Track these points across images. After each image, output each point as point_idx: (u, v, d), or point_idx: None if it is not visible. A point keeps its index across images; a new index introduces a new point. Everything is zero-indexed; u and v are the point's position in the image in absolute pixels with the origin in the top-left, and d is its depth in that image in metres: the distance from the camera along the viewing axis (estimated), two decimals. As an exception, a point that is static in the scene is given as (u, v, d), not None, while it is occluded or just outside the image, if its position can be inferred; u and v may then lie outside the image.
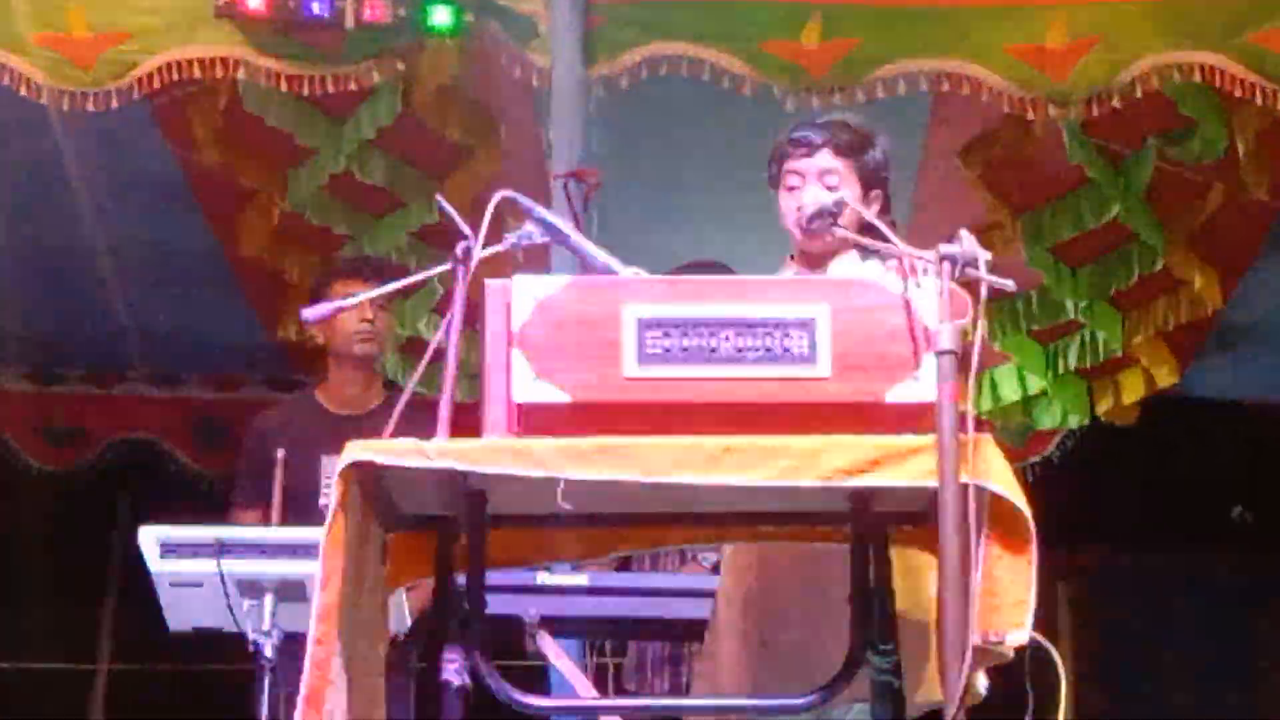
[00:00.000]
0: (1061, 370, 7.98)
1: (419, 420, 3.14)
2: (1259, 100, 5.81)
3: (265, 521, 4.75)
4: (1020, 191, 7.04)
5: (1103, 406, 8.13)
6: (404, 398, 3.32)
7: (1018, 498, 2.90)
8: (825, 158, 3.67)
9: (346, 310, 4.60)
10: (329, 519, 2.92)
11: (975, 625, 2.82)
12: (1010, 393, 8.13)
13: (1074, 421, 8.16)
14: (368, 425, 4.50)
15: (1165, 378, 7.84)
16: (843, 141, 3.69)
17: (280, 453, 4.65)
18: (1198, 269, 7.25)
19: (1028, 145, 6.60)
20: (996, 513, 2.91)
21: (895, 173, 3.79)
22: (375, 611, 3.19)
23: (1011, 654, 2.93)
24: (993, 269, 2.96)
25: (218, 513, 5.09)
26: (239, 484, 5.03)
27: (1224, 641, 10.79)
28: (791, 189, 3.69)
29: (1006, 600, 2.91)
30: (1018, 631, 2.90)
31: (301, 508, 4.66)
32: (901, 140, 3.95)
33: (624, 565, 5.13)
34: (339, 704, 2.95)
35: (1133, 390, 7.99)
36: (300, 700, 2.90)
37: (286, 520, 4.66)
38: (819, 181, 3.65)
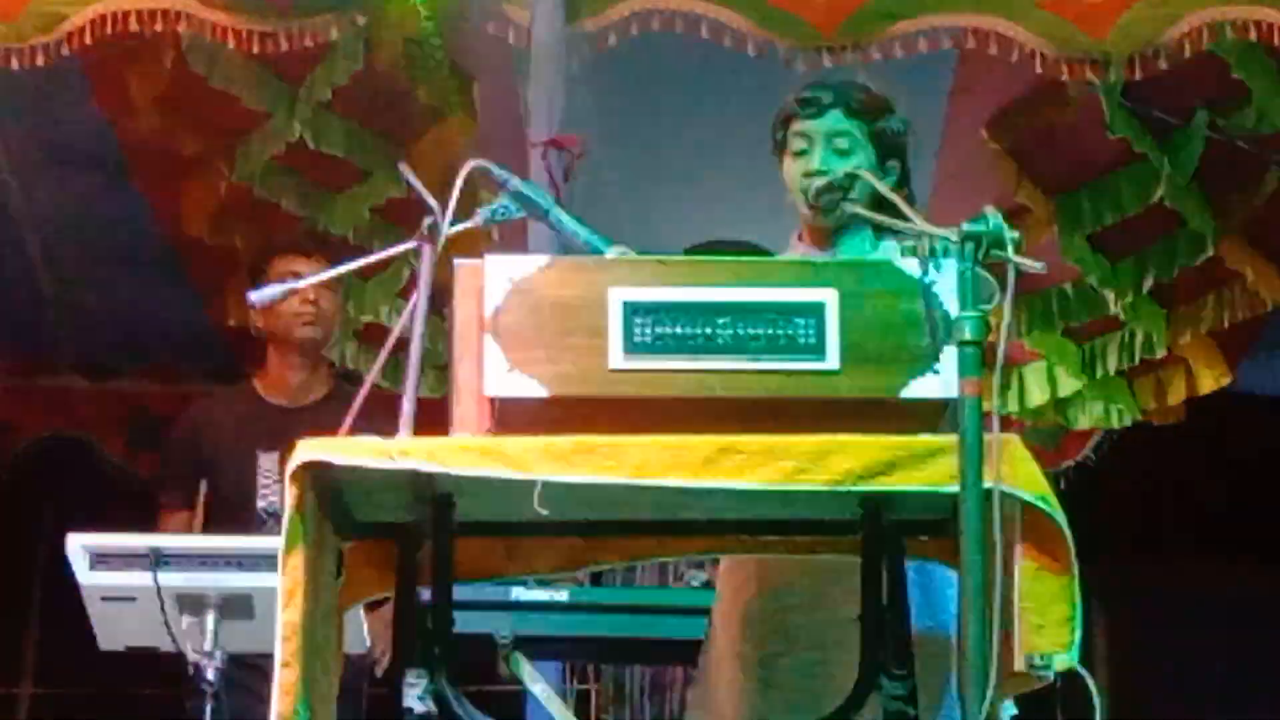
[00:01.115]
0: (1100, 373, 7.98)
1: (379, 416, 3.15)
2: (1321, 63, 5.83)
3: (194, 525, 4.75)
4: (1054, 170, 7.05)
5: (1146, 406, 8.14)
6: (363, 390, 3.32)
7: (1051, 504, 2.91)
8: (837, 119, 3.67)
9: (280, 295, 4.61)
10: (286, 527, 2.91)
11: (1018, 647, 2.83)
12: (1040, 395, 8.13)
13: (1116, 420, 8.15)
14: (311, 418, 4.53)
15: (1215, 380, 7.85)
16: (857, 102, 3.69)
17: (228, 450, 4.65)
18: (1252, 260, 7.25)
19: (1063, 116, 6.63)
20: (1029, 522, 2.92)
21: (913, 146, 3.79)
22: (330, 630, 3.19)
23: (1052, 677, 2.94)
24: (1022, 253, 2.96)
25: (155, 524, 5.08)
26: (166, 483, 5.03)
27: (1273, 657, 10.82)
28: (799, 154, 3.68)
29: (1049, 619, 2.92)
30: (1063, 653, 2.91)
31: (235, 510, 4.66)
32: (921, 110, 3.95)
33: (601, 580, 5.11)
34: None
35: (1178, 391, 8.00)
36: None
37: (215, 523, 4.66)
38: (829, 145, 3.66)
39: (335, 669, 3.22)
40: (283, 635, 2.90)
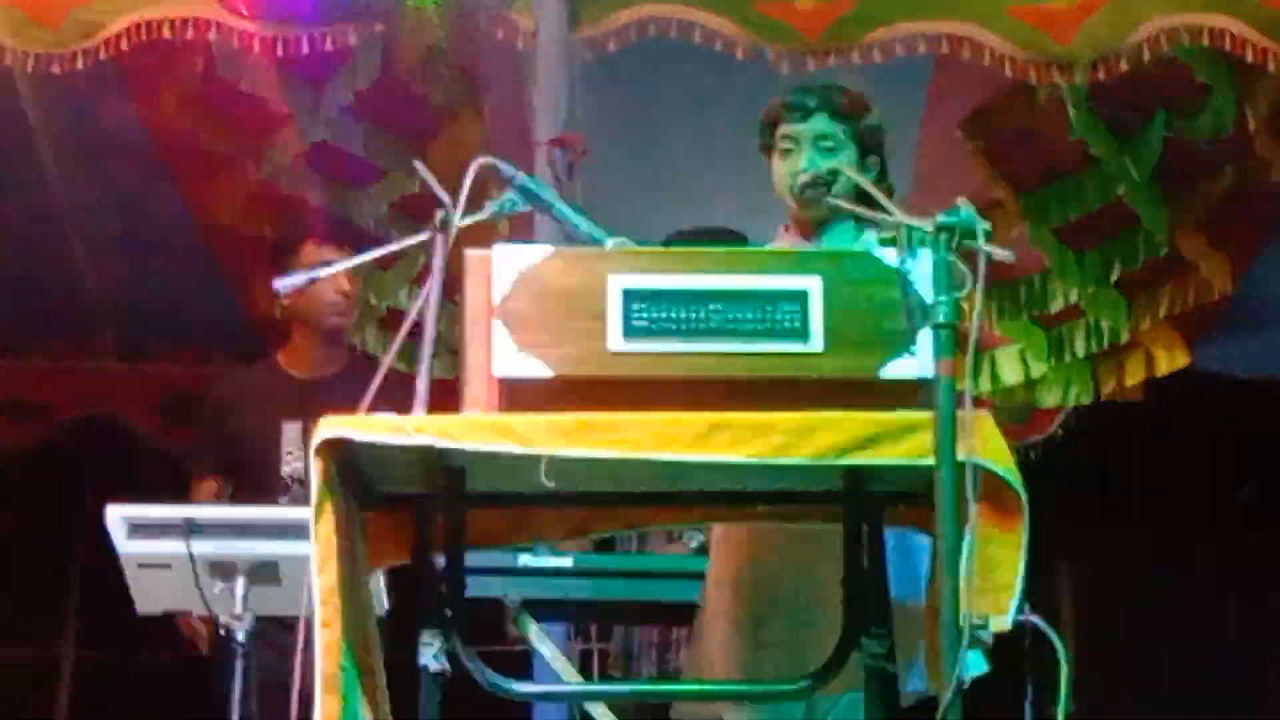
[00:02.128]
0: (1066, 357, 7.99)
1: (394, 395, 3.15)
2: (1271, 68, 5.80)
3: (223, 491, 4.75)
4: (1023, 168, 7.04)
5: (1107, 387, 8.14)
6: (380, 371, 3.32)
7: (1014, 477, 2.91)
8: (822, 121, 3.68)
9: (315, 282, 4.61)
10: (315, 498, 2.91)
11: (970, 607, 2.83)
12: (1011, 376, 8.13)
13: (1079, 400, 8.16)
14: (330, 391, 4.51)
15: (1171, 363, 7.85)
16: (839, 105, 3.70)
17: (255, 422, 4.65)
18: (1206, 253, 7.25)
19: (1032, 118, 6.61)
20: (990, 492, 2.91)
21: (892, 145, 3.79)
22: (367, 592, 3.19)
23: (990, 639, 2.93)
24: (993, 244, 2.96)
25: (187, 491, 5.08)
26: (197, 453, 5.02)
27: (1229, 624, 10.83)
28: (785, 154, 3.69)
29: (993, 583, 2.91)
30: (1002, 616, 2.91)
31: (261, 476, 4.66)
32: (900, 111, 3.95)
33: (604, 546, 5.12)
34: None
35: (1136, 373, 8.00)
36: (319, 686, 2.89)
37: (243, 488, 4.66)
38: (814, 147, 3.66)
39: (372, 626, 3.21)
40: (320, 599, 2.90)
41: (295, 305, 4.96)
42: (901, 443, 2.89)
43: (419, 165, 3.73)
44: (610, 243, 3.44)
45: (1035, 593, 2.95)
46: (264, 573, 4.11)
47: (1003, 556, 2.93)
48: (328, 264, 4.69)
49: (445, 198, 3.33)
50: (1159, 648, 10.63)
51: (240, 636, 4.12)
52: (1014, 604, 2.91)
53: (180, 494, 4.89)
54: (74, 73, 5.78)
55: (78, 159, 6.92)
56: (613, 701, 5.36)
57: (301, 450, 4.70)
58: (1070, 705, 2.99)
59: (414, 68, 6.21)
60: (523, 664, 5.11)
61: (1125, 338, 7.76)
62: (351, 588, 3.02)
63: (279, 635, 4.26)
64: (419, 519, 3.19)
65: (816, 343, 2.96)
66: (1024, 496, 2.92)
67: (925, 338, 2.92)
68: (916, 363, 2.95)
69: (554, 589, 4.87)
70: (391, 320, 7.15)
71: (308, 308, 4.95)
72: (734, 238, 4.63)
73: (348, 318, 5.05)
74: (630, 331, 2.96)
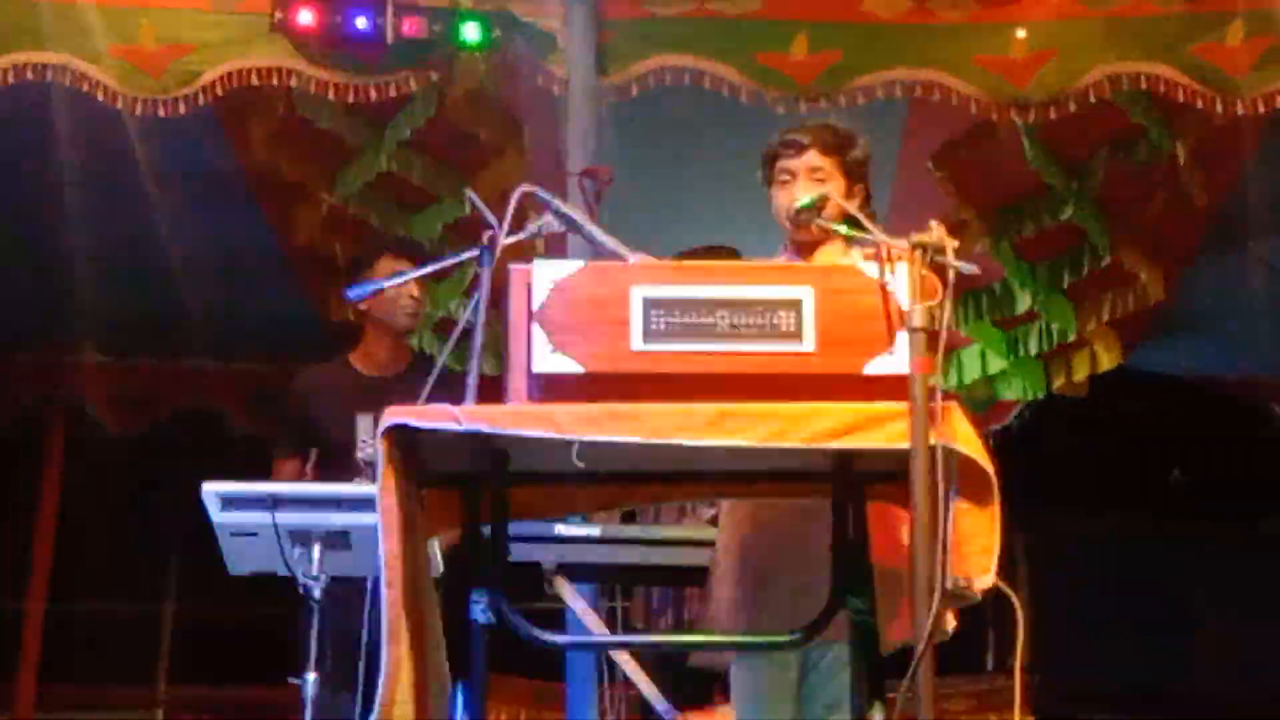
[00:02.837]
0: (1022, 355, 7.98)
1: (449, 390, 3.15)
2: (1198, 107, 5.80)
3: (302, 470, 4.73)
4: (985, 193, 7.03)
5: (1057, 382, 8.12)
6: (436, 369, 3.32)
7: (982, 457, 2.91)
8: (813, 156, 3.67)
9: (392, 287, 4.60)
10: (380, 476, 2.91)
11: (947, 571, 2.82)
12: (974, 372, 8.12)
13: (1032, 394, 8.15)
14: (396, 387, 4.50)
15: (1111, 361, 7.84)
16: (828, 141, 3.69)
17: (331, 412, 4.63)
18: (1143, 265, 7.24)
19: (993, 151, 6.59)
20: (963, 472, 2.91)
21: (873, 174, 3.78)
22: (424, 557, 3.19)
23: (979, 596, 2.93)
24: (958, 259, 2.96)
25: (270, 470, 5.08)
26: (280, 439, 5.00)
27: (1161, 590, 10.81)
28: (784, 184, 3.69)
29: (973, 549, 2.91)
30: (984, 577, 2.91)
31: (337, 460, 4.65)
32: (879, 145, 3.94)
33: (628, 518, 5.11)
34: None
35: (1081, 369, 7.99)
36: (385, 637, 2.88)
37: (323, 470, 4.65)
38: (808, 178, 3.66)
39: (429, 585, 3.21)
40: (386, 562, 2.90)
41: (372, 310, 4.94)
42: (882, 429, 2.88)
43: (469, 192, 3.74)
44: (632, 258, 3.43)
45: (998, 564, 2.94)
46: (336, 540, 4.10)
47: (979, 527, 2.93)
48: (400, 274, 4.71)
49: (492, 220, 3.33)
50: (1101, 608, 10.62)
51: (316, 594, 4.11)
52: (993, 566, 2.90)
53: (265, 473, 4.88)
54: (175, 116, 5.80)
55: (177, 189, 6.92)
56: (635, 650, 5.37)
57: (371, 438, 4.69)
58: (1025, 655, 2.97)
59: (464, 109, 6.21)
60: (558, 619, 5.11)
61: (1073, 338, 7.75)
62: (412, 553, 3.02)
63: (349, 594, 4.27)
64: (469, 495, 3.18)
65: (809, 344, 2.95)
66: (991, 472, 2.91)
67: (903, 340, 2.92)
68: (895, 361, 2.93)
69: (584, 555, 4.86)
70: (444, 326, 7.15)
71: (385, 311, 4.92)
72: (731, 254, 4.62)
73: (417, 319, 5.03)
74: (650, 334, 2.95)
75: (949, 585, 2.83)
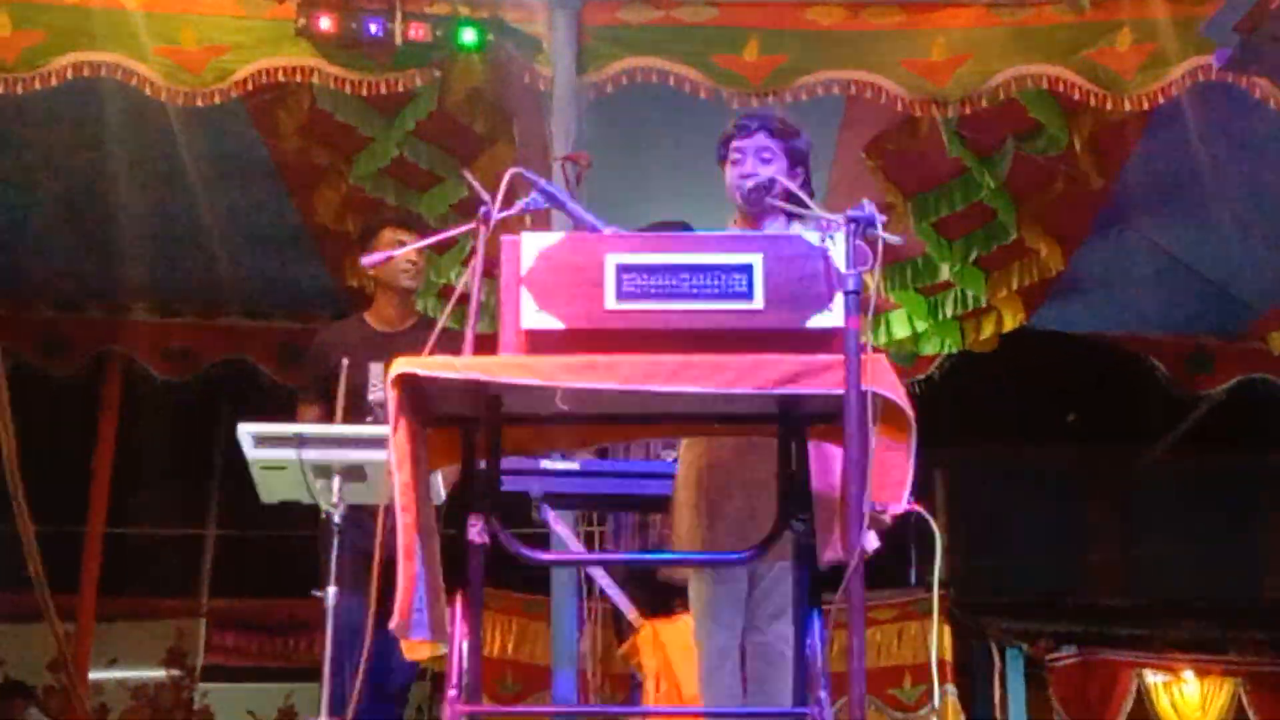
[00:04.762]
0: (940, 317, 8.00)
1: (449, 345, 3.14)
2: (1091, 104, 5.80)
3: (324, 412, 4.72)
4: (910, 178, 7.04)
5: (970, 339, 8.15)
6: (437, 329, 3.31)
7: (903, 402, 2.91)
8: (761, 138, 3.65)
9: (398, 254, 4.60)
10: (393, 418, 2.90)
11: (869, 498, 2.83)
12: (900, 331, 8.14)
13: (950, 348, 8.17)
14: (403, 340, 4.50)
15: (1015, 322, 7.88)
16: (775, 127, 3.67)
17: (345, 361, 4.62)
18: (1044, 240, 7.26)
19: (916, 141, 6.60)
20: (887, 414, 2.91)
21: (814, 161, 3.77)
22: (427, 487, 3.18)
23: (890, 521, 2.93)
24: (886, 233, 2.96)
25: (296, 414, 5.07)
26: (304, 386, 4.99)
27: (1058, 514, 10.91)
28: (735, 162, 3.67)
29: (890, 480, 2.91)
30: (897, 504, 2.91)
31: (353, 402, 4.65)
32: (820, 136, 3.93)
33: (602, 454, 5.11)
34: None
35: (990, 328, 8.02)
36: (400, 555, 2.88)
37: (345, 411, 4.65)
38: (756, 156, 3.64)
39: (432, 511, 3.20)
40: (400, 490, 2.89)
41: (379, 273, 4.93)
42: (821, 377, 2.87)
43: (467, 174, 3.71)
44: (606, 230, 3.42)
45: (916, 489, 2.95)
46: (354, 473, 4.10)
47: (896, 461, 2.93)
48: (401, 244, 4.70)
49: (486, 198, 3.31)
50: (1007, 529, 10.70)
51: (336, 519, 4.11)
52: (906, 494, 2.91)
53: (291, 416, 4.87)
54: (211, 106, 5.75)
55: (215, 171, 6.88)
56: (609, 567, 5.38)
57: (382, 384, 4.68)
58: (943, 571, 2.99)
59: (462, 103, 6.17)
60: (543, 541, 5.12)
61: (984, 303, 7.77)
62: (418, 483, 3.02)
63: (364, 519, 4.26)
64: (467, 434, 3.17)
65: (759, 303, 2.93)
66: (911, 417, 2.92)
67: (839, 300, 2.91)
68: (833, 317, 2.93)
69: (565, 485, 4.85)
70: (446, 292, 7.14)
71: (389, 273, 4.91)
72: (684, 227, 4.60)
73: (416, 280, 5.01)
74: (622, 295, 2.93)
75: (870, 509, 2.83)
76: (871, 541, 2.87)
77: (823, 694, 2.96)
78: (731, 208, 3.73)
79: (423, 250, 4.93)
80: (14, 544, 6.18)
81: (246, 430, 4.10)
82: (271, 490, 4.21)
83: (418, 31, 5.69)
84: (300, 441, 4.07)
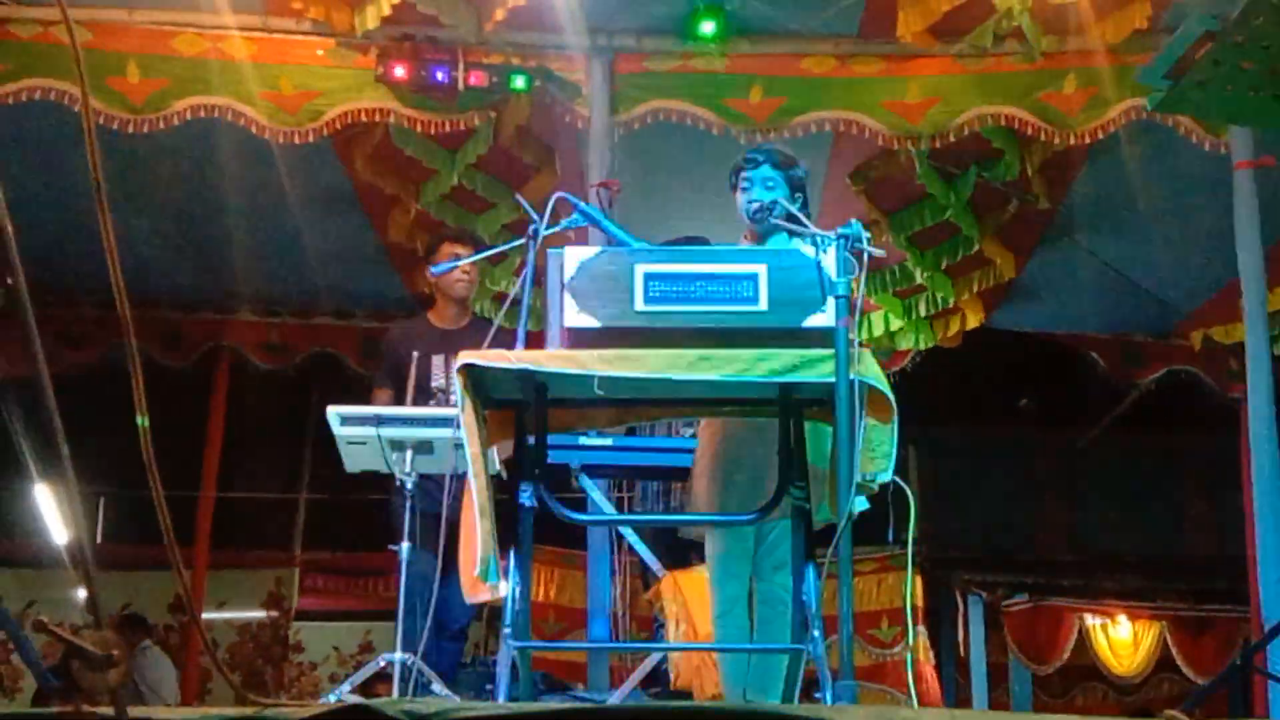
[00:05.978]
0: (914, 317, 7.97)
1: (503, 341, 3.15)
2: (1042, 138, 5.80)
3: (395, 397, 4.73)
4: (889, 200, 7.02)
5: (939, 335, 8.11)
6: (494, 326, 3.31)
7: (886, 389, 2.90)
8: (766, 169, 3.66)
9: (457, 268, 4.60)
10: (462, 402, 2.91)
11: (857, 469, 2.82)
12: (880, 329, 8.11)
13: (922, 344, 8.14)
14: (460, 337, 4.50)
15: (977, 321, 7.85)
16: (778, 159, 3.67)
17: (415, 354, 4.62)
18: (1000, 251, 7.24)
19: (894, 170, 6.60)
20: (873, 399, 2.91)
21: (809, 187, 3.77)
22: (487, 458, 3.19)
23: (876, 488, 2.93)
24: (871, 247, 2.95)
25: (373, 397, 5.06)
26: (379, 375, 4.99)
27: (1013, 483, 10.87)
28: (744, 189, 3.67)
29: (878, 453, 2.91)
30: (884, 473, 2.91)
31: (420, 387, 4.66)
32: (813, 165, 3.92)
33: (632, 432, 5.11)
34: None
35: (955, 327, 7.98)
36: (475, 512, 2.90)
37: (415, 397, 4.65)
38: (762, 184, 3.64)
39: (490, 480, 3.20)
40: (471, 459, 2.91)
41: (439, 282, 4.94)
42: (816, 368, 2.88)
43: (519, 197, 3.72)
44: (635, 245, 3.42)
45: (895, 464, 2.94)
46: (423, 448, 4.10)
47: (882, 437, 2.93)
48: (457, 256, 4.71)
49: (535, 218, 3.31)
50: (969, 497, 10.66)
51: (409, 486, 4.12)
52: (890, 465, 2.90)
53: (369, 399, 4.87)
54: (305, 143, 5.77)
55: (308, 197, 6.89)
56: (636, 527, 5.38)
57: (444, 372, 4.69)
58: (915, 530, 2.98)
59: (513, 139, 6.18)
60: (582, 504, 5.12)
61: (951, 304, 7.74)
62: (484, 453, 3.02)
63: (431, 487, 4.28)
64: (518, 415, 3.18)
65: (763, 305, 2.95)
66: (893, 400, 2.91)
67: (831, 303, 2.91)
68: (826, 318, 2.93)
69: (600, 458, 4.85)
70: (499, 297, 7.13)
71: (447, 283, 4.92)
72: (702, 243, 4.60)
73: (470, 289, 5.00)
74: (649, 299, 2.95)
75: (858, 479, 2.83)
76: (860, 505, 2.88)
77: (816, 633, 2.98)
78: (742, 226, 3.72)
79: (476, 264, 4.95)
80: (138, 505, 6.21)
81: (334, 412, 4.11)
82: (355, 461, 4.22)
83: (477, 78, 5.70)
84: (379, 421, 4.09)
